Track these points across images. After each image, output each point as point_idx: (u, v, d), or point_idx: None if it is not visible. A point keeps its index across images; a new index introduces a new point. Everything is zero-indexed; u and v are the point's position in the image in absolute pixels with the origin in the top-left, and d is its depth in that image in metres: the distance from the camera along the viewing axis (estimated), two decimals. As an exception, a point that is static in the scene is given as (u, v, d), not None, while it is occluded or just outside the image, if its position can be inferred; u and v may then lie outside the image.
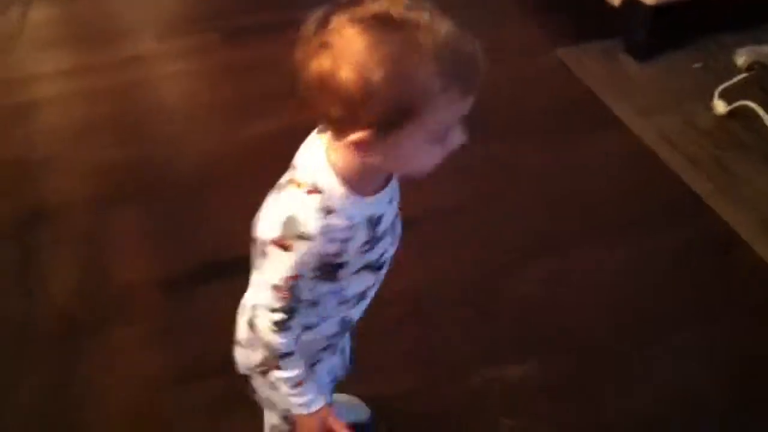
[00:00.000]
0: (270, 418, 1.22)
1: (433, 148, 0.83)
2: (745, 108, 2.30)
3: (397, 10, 0.77)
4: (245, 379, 1.14)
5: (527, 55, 2.61)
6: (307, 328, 1.02)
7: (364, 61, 0.75)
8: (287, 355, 0.97)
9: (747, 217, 2.03)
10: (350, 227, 0.89)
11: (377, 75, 0.75)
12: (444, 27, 0.78)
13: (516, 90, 2.39)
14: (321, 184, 0.87)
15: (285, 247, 0.86)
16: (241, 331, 1.06)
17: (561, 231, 1.97)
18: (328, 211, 0.86)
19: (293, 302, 0.93)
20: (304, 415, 1.03)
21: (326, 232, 0.86)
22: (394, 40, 0.75)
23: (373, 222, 0.92)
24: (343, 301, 1.02)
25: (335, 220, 0.86)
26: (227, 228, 1.92)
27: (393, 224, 0.99)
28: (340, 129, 0.82)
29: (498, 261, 1.87)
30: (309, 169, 0.88)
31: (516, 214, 2.01)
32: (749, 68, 2.44)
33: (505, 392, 1.58)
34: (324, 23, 0.79)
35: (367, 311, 1.12)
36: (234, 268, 1.88)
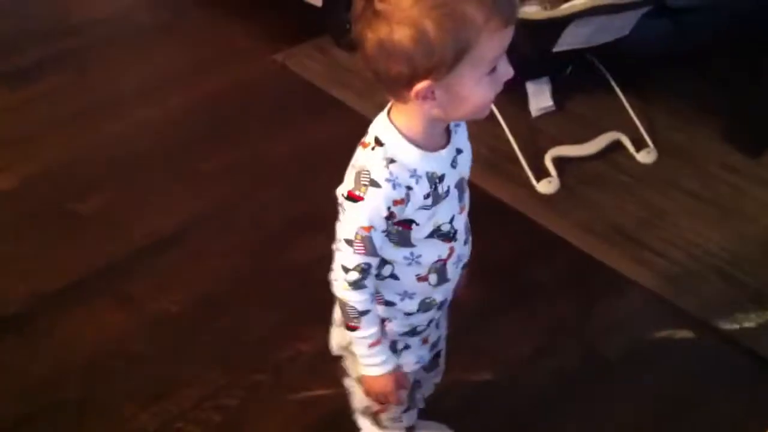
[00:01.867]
0: (362, 401, 1.24)
1: (486, 83, 0.90)
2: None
3: None
4: (339, 361, 1.18)
5: (249, 61, 2.79)
6: (388, 303, 1.08)
7: (413, 16, 0.83)
8: (364, 313, 1.01)
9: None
10: (412, 176, 0.95)
11: (429, 24, 0.83)
12: None
13: (245, 95, 2.57)
14: (383, 139, 0.95)
15: (356, 198, 0.94)
16: (336, 310, 1.11)
17: (323, 210, 2.01)
18: (390, 161, 0.94)
19: (367, 257, 0.98)
20: (377, 375, 1.06)
21: (391, 179, 0.93)
22: None
23: (435, 178, 0.98)
24: (421, 277, 1.06)
25: (398, 169, 0.94)
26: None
27: (458, 189, 1.04)
28: (404, 86, 0.89)
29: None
30: (373, 129, 0.97)
31: (271, 205, 2.15)
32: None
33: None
34: None
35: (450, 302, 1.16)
36: (17, 323, 1.88)
